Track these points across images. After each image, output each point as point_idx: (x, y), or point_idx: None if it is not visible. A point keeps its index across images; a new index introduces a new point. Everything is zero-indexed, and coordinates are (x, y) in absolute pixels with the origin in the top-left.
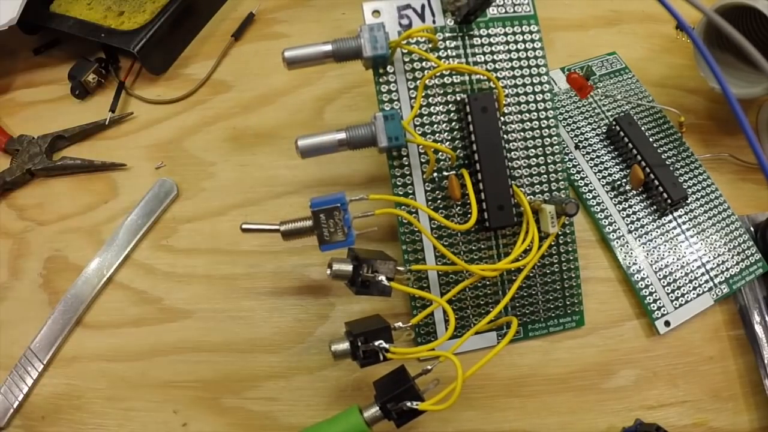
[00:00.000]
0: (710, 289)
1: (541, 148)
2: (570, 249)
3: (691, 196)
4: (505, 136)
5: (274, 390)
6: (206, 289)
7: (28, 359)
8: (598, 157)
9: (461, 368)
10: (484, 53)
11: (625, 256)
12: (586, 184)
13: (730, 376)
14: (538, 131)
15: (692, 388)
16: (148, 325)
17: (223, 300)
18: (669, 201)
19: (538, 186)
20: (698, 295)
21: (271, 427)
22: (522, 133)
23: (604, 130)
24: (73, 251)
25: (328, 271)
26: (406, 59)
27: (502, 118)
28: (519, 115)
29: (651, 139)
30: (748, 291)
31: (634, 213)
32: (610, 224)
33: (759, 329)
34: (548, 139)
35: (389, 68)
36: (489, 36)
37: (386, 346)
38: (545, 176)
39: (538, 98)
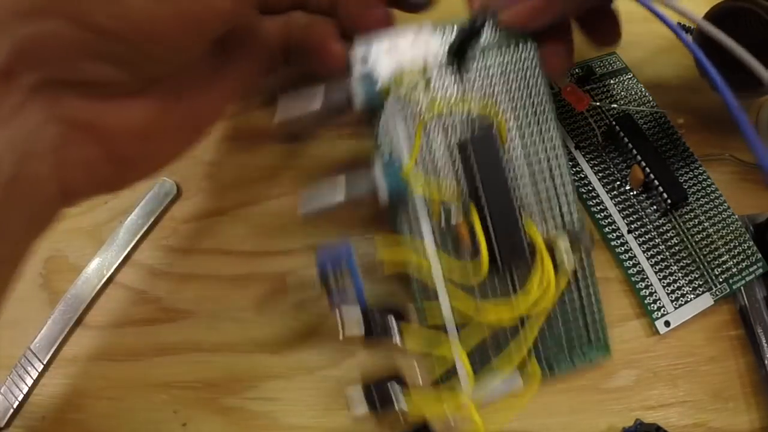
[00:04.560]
0: (710, 289)
1: (551, 181)
2: (589, 282)
3: (691, 196)
4: (511, 171)
5: (274, 390)
6: (206, 289)
7: (28, 359)
8: (598, 156)
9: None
10: (482, 85)
11: (625, 256)
12: (586, 184)
13: (731, 376)
14: (546, 163)
15: (692, 388)
16: (148, 325)
17: (223, 300)
18: (669, 201)
19: (550, 219)
20: (698, 295)
21: (271, 427)
22: (529, 167)
23: (604, 130)
24: (73, 251)
25: (341, 334)
26: (400, 103)
27: (506, 154)
28: (524, 148)
29: (651, 139)
30: (748, 291)
31: (634, 213)
32: (610, 224)
33: (759, 329)
34: (557, 170)
35: (383, 115)
36: (485, 66)
37: (403, 401)
38: (556, 208)
39: (540, 120)
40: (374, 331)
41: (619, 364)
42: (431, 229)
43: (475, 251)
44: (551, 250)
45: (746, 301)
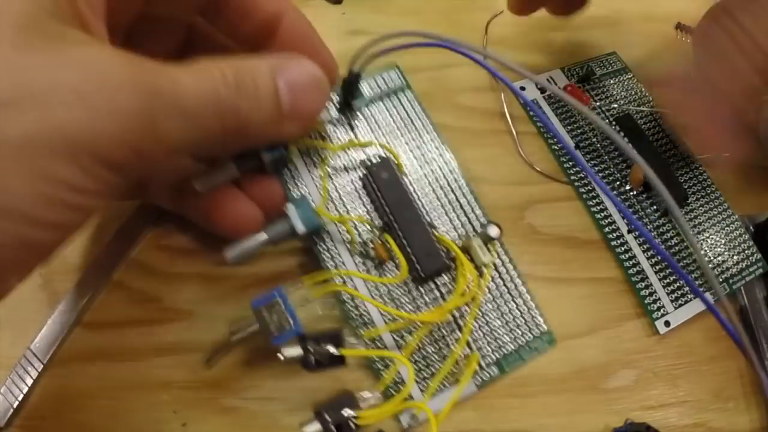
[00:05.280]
0: (710, 289)
1: (451, 193)
2: (512, 273)
3: (691, 196)
4: (413, 192)
5: (274, 390)
6: (206, 289)
7: (28, 359)
8: (598, 157)
9: (434, 418)
10: (371, 129)
11: (625, 256)
12: (586, 184)
13: (731, 376)
14: (443, 180)
15: (692, 388)
16: (148, 325)
17: (223, 299)
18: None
19: (460, 226)
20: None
21: (271, 427)
22: (429, 186)
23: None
24: (73, 251)
25: (282, 358)
26: (305, 154)
27: (405, 178)
28: (420, 170)
29: (651, 139)
30: (748, 291)
31: (634, 213)
32: (610, 224)
33: (759, 329)
34: (454, 183)
35: (291, 166)
36: (372, 114)
37: (353, 413)
38: (464, 216)
39: (431, 148)
40: (315, 356)
41: (618, 364)
42: (350, 254)
43: (396, 266)
44: (469, 253)
45: (746, 301)
